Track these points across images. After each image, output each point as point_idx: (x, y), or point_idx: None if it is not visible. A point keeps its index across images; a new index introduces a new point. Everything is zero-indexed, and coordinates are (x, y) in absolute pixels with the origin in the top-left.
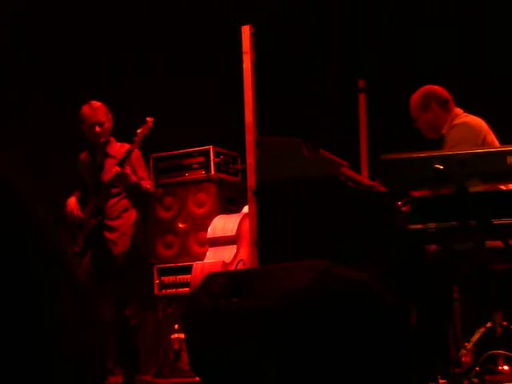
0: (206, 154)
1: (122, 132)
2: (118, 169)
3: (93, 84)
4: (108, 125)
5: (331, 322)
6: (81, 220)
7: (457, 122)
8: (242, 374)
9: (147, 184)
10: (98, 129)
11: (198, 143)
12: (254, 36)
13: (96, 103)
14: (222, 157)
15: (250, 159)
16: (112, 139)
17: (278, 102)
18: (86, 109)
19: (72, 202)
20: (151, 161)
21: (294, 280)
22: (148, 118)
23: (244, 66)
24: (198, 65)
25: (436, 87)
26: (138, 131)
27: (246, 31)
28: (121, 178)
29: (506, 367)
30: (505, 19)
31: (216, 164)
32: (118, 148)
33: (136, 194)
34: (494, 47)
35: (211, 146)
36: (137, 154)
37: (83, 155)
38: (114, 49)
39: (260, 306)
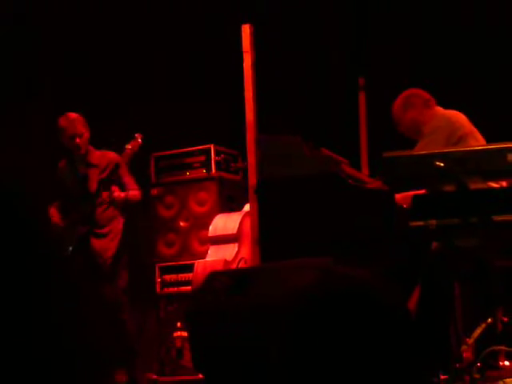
0: (207, 152)
1: (122, 136)
2: (107, 195)
3: (89, 85)
4: (86, 135)
5: (333, 320)
6: (61, 228)
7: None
8: (245, 371)
9: (133, 194)
10: (77, 140)
11: (199, 142)
12: (255, 34)
13: (72, 114)
14: (222, 155)
15: (251, 158)
16: (91, 148)
17: (278, 100)
18: (63, 121)
19: (53, 211)
20: (152, 160)
21: (297, 278)
22: (137, 134)
23: (244, 64)
24: (199, 63)
25: (416, 89)
26: (127, 147)
27: (246, 30)
28: (113, 203)
29: (506, 363)
30: (507, 22)
31: (217, 162)
32: (98, 156)
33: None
34: (495, 47)
35: (212, 145)
36: (124, 168)
37: (62, 163)
38: (112, 49)
39: (262, 304)
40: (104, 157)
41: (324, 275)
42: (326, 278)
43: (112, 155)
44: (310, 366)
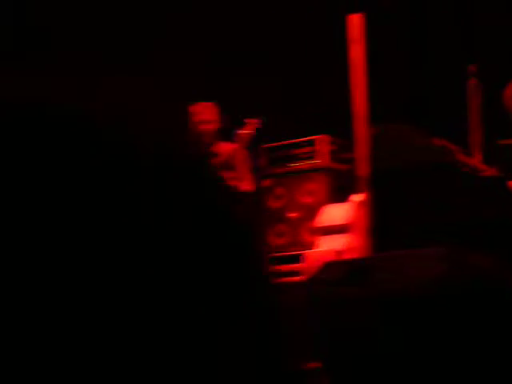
0: (316, 143)
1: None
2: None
3: (203, 80)
4: (215, 124)
5: (464, 311)
6: None
7: None
8: (362, 361)
9: (245, 186)
10: (202, 127)
11: (308, 133)
12: (366, 24)
13: (207, 103)
14: (332, 146)
15: (361, 148)
16: (218, 139)
17: (388, 89)
18: (192, 107)
19: None
20: (262, 151)
21: (426, 268)
22: (248, 120)
23: (352, 55)
24: (307, 55)
25: None
26: (240, 132)
27: (354, 20)
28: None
29: None
30: None
31: (326, 153)
32: (222, 147)
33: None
34: None
35: (321, 135)
36: (240, 154)
37: None
38: (222, 44)
39: (385, 294)
40: (224, 147)
41: (456, 266)
42: (459, 270)
43: (230, 146)
44: (437, 358)
